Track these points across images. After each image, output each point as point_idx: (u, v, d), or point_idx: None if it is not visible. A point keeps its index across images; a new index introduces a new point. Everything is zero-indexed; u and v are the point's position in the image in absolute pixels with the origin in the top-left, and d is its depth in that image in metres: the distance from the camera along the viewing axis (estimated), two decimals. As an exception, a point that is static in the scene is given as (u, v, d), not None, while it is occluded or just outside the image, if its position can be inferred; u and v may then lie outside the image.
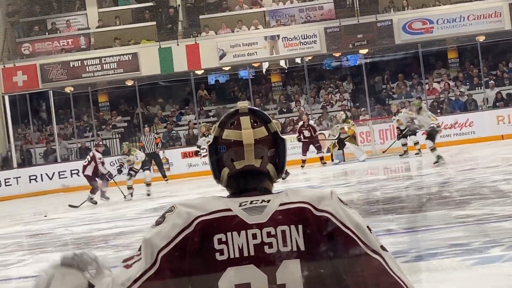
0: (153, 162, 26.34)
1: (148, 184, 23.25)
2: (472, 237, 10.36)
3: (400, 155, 26.26)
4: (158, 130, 33.05)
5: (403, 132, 26.21)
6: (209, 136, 24.51)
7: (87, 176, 22.73)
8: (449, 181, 18.18)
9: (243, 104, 2.51)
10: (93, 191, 22.53)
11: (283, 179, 22.33)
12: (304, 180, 22.62)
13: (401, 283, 2.31)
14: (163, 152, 28.82)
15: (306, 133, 26.66)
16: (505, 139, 27.39)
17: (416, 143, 26.30)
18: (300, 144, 26.69)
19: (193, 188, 23.32)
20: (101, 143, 25.09)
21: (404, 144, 26.34)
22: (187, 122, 32.60)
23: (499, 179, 16.90)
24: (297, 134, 27.06)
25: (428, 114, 23.36)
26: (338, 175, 23.62)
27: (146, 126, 28.78)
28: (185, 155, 29.78)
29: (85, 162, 22.94)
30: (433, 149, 21.95)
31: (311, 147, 26.87)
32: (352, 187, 19.47)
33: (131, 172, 23.10)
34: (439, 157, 21.66)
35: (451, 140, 28.92)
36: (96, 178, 22.59)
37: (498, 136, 27.69)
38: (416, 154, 26.17)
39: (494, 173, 18.29)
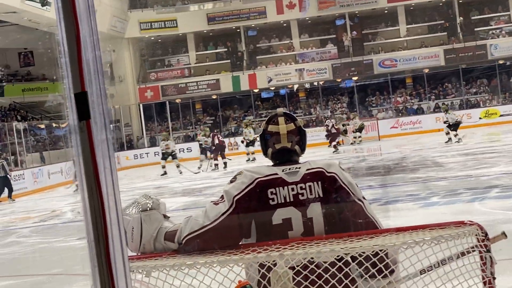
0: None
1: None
2: (420, 190, 10.56)
3: (351, 143, 25.64)
4: (230, 125, 32.74)
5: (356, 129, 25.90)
6: (205, 135, 21.97)
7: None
8: (406, 156, 18.02)
9: (279, 110, 2.51)
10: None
11: (335, 149, 22.11)
12: (321, 156, 21.92)
13: (373, 219, 2.29)
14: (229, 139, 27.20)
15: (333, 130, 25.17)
16: (440, 131, 26.12)
17: (359, 136, 25.82)
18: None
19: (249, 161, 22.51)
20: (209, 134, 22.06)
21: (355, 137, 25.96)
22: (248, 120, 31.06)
23: (436, 155, 17.02)
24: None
25: (454, 112, 22.28)
26: (339, 152, 23.10)
27: (207, 126, 26.98)
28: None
29: (209, 144, 21.10)
30: (456, 135, 20.86)
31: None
32: (347, 159, 19.32)
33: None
34: (459, 138, 20.63)
35: (407, 131, 28.66)
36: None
37: (436, 129, 26.81)
38: (351, 143, 25.60)
39: (434, 152, 18.30)
